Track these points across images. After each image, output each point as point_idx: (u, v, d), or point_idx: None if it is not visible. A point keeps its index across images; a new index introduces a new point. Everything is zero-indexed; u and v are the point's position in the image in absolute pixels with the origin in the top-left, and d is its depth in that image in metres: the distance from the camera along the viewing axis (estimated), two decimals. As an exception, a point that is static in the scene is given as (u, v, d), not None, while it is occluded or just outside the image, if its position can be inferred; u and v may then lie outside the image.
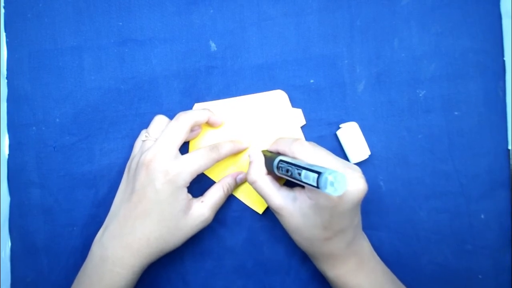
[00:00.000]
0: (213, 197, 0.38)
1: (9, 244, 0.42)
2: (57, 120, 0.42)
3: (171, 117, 0.41)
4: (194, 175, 0.36)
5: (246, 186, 0.41)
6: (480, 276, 0.41)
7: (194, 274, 0.42)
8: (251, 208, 0.41)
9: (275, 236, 0.42)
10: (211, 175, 0.41)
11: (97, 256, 0.36)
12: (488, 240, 0.41)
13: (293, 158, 0.34)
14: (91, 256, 0.37)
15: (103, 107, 0.42)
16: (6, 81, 0.42)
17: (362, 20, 0.41)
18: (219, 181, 0.40)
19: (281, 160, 0.33)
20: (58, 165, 0.42)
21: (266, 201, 0.36)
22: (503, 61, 0.41)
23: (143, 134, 0.39)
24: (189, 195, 0.37)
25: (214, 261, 0.42)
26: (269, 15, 0.42)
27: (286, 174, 0.32)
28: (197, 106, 0.41)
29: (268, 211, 0.41)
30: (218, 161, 0.38)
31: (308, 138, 0.41)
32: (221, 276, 0.42)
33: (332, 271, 0.36)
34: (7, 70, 0.42)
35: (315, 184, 0.28)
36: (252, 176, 0.36)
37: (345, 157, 0.41)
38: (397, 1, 0.42)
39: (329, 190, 0.27)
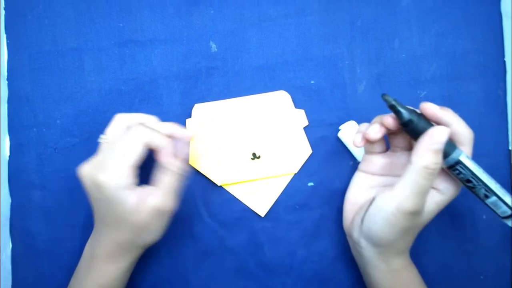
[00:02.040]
0: (162, 184, 0.35)
1: (10, 245, 0.42)
2: (58, 121, 0.42)
3: (171, 119, 0.41)
4: (128, 172, 0.33)
5: (248, 187, 0.41)
6: (481, 277, 0.41)
7: (195, 274, 0.42)
8: (251, 209, 0.41)
9: (276, 237, 0.42)
10: (212, 177, 0.41)
11: (88, 255, 0.37)
12: (489, 240, 0.41)
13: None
14: (83, 255, 0.37)
15: (104, 108, 0.42)
16: (6, 82, 0.42)
17: (362, 21, 0.42)
18: (166, 164, 0.35)
19: (461, 164, 0.32)
20: (59, 167, 0.42)
21: (423, 196, 0.32)
22: (504, 62, 0.41)
23: (117, 121, 0.36)
24: (137, 191, 0.34)
25: (215, 262, 0.42)
26: (270, 15, 0.42)
27: (460, 179, 0.32)
28: (197, 107, 0.41)
29: (270, 212, 0.41)
30: (154, 143, 0.34)
31: (309, 138, 0.41)
32: (222, 277, 0.42)
33: (403, 263, 0.35)
34: (8, 71, 0.42)
35: (502, 216, 0.30)
36: (434, 159, 0.31)
37: (351, 157, 0.41)
38: (397, 1, 0.42)
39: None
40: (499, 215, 0.30)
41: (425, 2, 0.41)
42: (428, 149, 0.31)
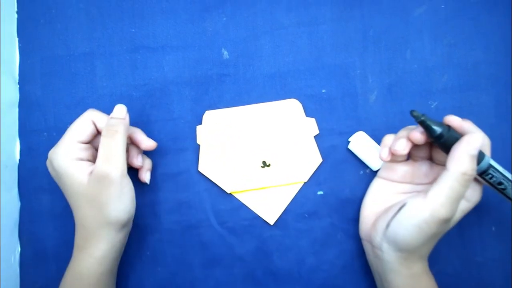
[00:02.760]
0: (101, 150, 0.34)
1: (19, 249, 0.42)
2: (69, 126, 0.42)
3: (182, 125, 0.41)
4: (74, 144, 0.35)
5: (257, 195, 0.41)
6: (490, 288, 0.41)
7: (203, 282, 0.42)
8: (261, 217, 0.41)
9: (285, 245, 0.42)
10: (222, 185, 0.41)
11: (75, 247, 0.37)
12: (498, 252, 0.41)
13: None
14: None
15: (115, 114, 0.42)
16: (18, 86, 0.42)
17: (374, 31, 0.42)
18: (102, 131, 0.35)
19: (493, 168, 0.33)
20: (68, 171, 0.42)
21: (457, 203, 0.33)
22: (515, 73, 0.41)
23: (87, 115, 0.37)
24: (83, 164, 0.35)
25: (223, 269, 0.42)
26: (282, 24, 0.42)
27: (492, 183, 0.33)
28: (208, 114, 0.41)
29: (279, 220, 0.41)
30: (98, 122, 0.36)
31: (319, 147, 0.41)
32: (230, 285, 0.42)
33: (423, 267, 0.36)
34: (19, 75, 0.42)
35: None
36: (470, 166, 0.31)
37: (362, 166, 0.41)
38: (409, 12, 0.42)
39: None
40: None
41: (437, 12, 0.41)
42: (465, 155, 0.31)
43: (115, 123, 0.35)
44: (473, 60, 0.41)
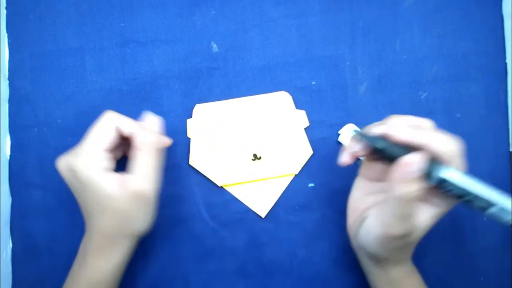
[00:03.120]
0: (137, 166, 0.33)
1: (10, 245, 0.42)
2: (59, 121, 0.42)
3: (172, 119, 0.41)
4: (100, 156, 0.33)
5: (249, 188, 0.41)
6: (482, 278, 0.41)
7: (195, 275, 0.42)
8: (252, 210, 0.41)
9: (276, 238, 0.42)
10: (213, 178, 0.41)
11: (81, 252, 0.36)
12: (490, 242, 0.41)
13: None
14: (77, 253, 0.37)
15: (105, 108, 0.41)
16: (7, 82, 0.42)
17: (364, 22, 0.42)
18: (138, 144, 0.34)
19: (447, 182, 0.30)
20: (59, 166, 0.42)
21: (408, 221, 0.30)
22: (505, 64, 0.41)
23: (107, 117, 0.36)
24: (116, 177, 0.33)
25: (215, 262, 0.42)
26: (271, 16, 0.42)
27: (451, 195, 0.30)
28: (198, 107, 0.41)
29: (270, 213, 0.41)
30: (123, 128, 0.34)
31: (310, 140, 0.41)
32: (222, 278, 0.42)
33: (401, 271, 0.35)
34: (9, 71, 0.42)
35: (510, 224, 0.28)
36: (409, 189, 0.29)
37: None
38: (399, 3, 0.42)
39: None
40: (504, 224, 0.29)
41: (426, 3, 0.41)
42: (401, 179, 0.29)
43: (153, 139, 0.34)
44: (463, 50, 0.41)
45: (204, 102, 0.42)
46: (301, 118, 0.41)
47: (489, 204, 0.29)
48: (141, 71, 0.42)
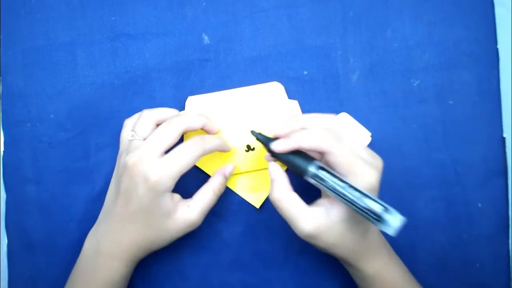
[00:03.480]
0: (201, 201, 0.36)
1: (6, 241, 0.42)
2: (52, 116, 0.42)
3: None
4: (177, 178, 0.34)
5: (243, 179, 0.41)
6: (477, 265, 0.41)
7: (191, 267, 0.42)
8: (247, 201, 0.41)
9: (271, 229, 0.42)
10: (205, 169, 0.41)
11: (91, 251, 0.36)
12: (485, 228, 0.41)
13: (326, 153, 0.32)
14: (85, 251, 0.37)
15: (97, 102, 0.42)
16: (0, 78, 0.42)
17: (354, 11, 0.41)
18: (208, 181, 0.38)
19: (321, 168, 0.32)
20: (53, 161, 0.42)
21: (293, 224, 0.33)
22: (497, 50, 0.41)
23: (129, 126, 0.38)
24: (176, 197, 0.36)
25: (211, 254, 0.42)
26: (262, 7, 0.42)
27: (326, 186, 0.31)
28: (190, 99, 0.41)
29: (265, 204, 0.41)
30: (203, 155, 0.36)
31: (302, 129, 0.41)
32: (218, 270, 0.42)
33: (372, 268, 0.35)
34: (1, 67, 0.42)
35: (374, 217, 0.29)
36: (276, 195, 0.33)
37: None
38: (389, -9, 0.42)
39: (385, 228, 0.29)
40: (369, 219, 0.30)
41: (417, -9, 0.41)
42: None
43: (223, 182, 0.38)
44: (454, 38, 0.41)
45: (196, 94, 0.41)
46: (294, 109, 0.41)
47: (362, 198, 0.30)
48: (132, 65, 0.42)
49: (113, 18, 0.42)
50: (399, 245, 0.41)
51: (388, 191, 0.41)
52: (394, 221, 0.29)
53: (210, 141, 0.36)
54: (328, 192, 0.32)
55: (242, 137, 0.41)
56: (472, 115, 0.41)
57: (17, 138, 0.42)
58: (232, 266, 0.42)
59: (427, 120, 0.41)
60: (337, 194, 0.31)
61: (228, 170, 0.39)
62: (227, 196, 0.42)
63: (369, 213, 0.30)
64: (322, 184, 0.32)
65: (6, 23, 0.42)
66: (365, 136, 0.40)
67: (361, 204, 0.30)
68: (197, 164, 0.41)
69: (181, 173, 0.34)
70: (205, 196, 0.37)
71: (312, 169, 0.32)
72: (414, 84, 0.41)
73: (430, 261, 0.41)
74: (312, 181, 0.33)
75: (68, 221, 0.42)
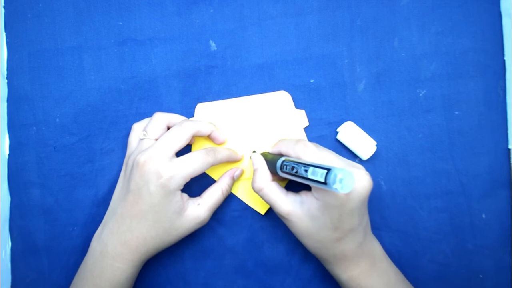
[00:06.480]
0: (210, 199, 0.38)
1: (10, 244, 0.42)
2: (57, 120, 0.42)
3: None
4: (188, 179, 0.35)
5: (247, 186, 0.41)
6: (481, 276, 0.41)
7: (194, 273, 0.42)
8: (251, 208, 0.41)
9: (275, 236, 0.42)
10: (211, 174, 0.41)
11: (97, 252, 0.36)
12: (489, 239, 0.41)
13: (297, 158, 0.34)
14: (91, 252, 0.37)
15: (103, 106, 0.42)
16: (6, 81, 0.42)
17: (362, 20, 0.41)
18: (217, 181, 0.40)
19: (285, 159, 0.34)
20: (58, 165, 0.42)
21: (273, 207, 0.36)
22: (503, 61, 0.41)
23: (137, 130, 0.39)
24: (185, 196, 0.37)
25: (214, 260, 0.42)
26: (269, 14, 0.42)
27: (291, 173, 0.32)
28: (200, 106, 0.41)
29: (270, 211, 0.41)
30: (213, 165, 0.37)
31: (308, 137, 0.41)
32: (221, 276, 0.42)
33: (345, 274, 0.36)
34: (7, 70, 0.42)
35: (322, 180, 0.28)
36: (258, 184, 0.36)
37: (351, 156, 0.41)
38: (397, 0, 0.42)
39: (337, 186, 0.28)
40: (324, 183, 0.29)
41: (425, 1, 0.41)
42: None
43: (231, 183, 0.40)
44: (461, 48, 0.41)
45: (202, 101, 0.41)
46: (301, 118, 0.41)
47: (307, 166, 0.31)
48: (139, 70, 0.42)
49: (120, 23, 0.42)
50: (402, 254, 0.41)
51: (392, 200, 0.41)
52: (339, 177, 0.28)
53: (222, 152, 0.38)
54: (292, 178, 0.33)
55: (249, 144, 0.41)
56: (478, 125, 0.41)
57: (22, 141, 0.42)
58: (235, 273, 0.42)
59: (433, 130, 0.41)
60: (294, 176, 0.32)
61: (236, 173, 0.40)
62: (230, 202, 0.42)
63: (315, 179, 0.30)
64: (288, 173, 0.33)
65: (13, 26, 0.42)
66: (371, 145, 0.40)
67: (305, 173, 0.31)
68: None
69: (192, 176, 0.35)
70: (214, 195, 0.38)
71: (279, 161, 0.34)
72: (421, 94, 0.41)
73: (433, 270, 0.41)
74: (282, 174, 0.34)
75: (72, 225, 0.42)
